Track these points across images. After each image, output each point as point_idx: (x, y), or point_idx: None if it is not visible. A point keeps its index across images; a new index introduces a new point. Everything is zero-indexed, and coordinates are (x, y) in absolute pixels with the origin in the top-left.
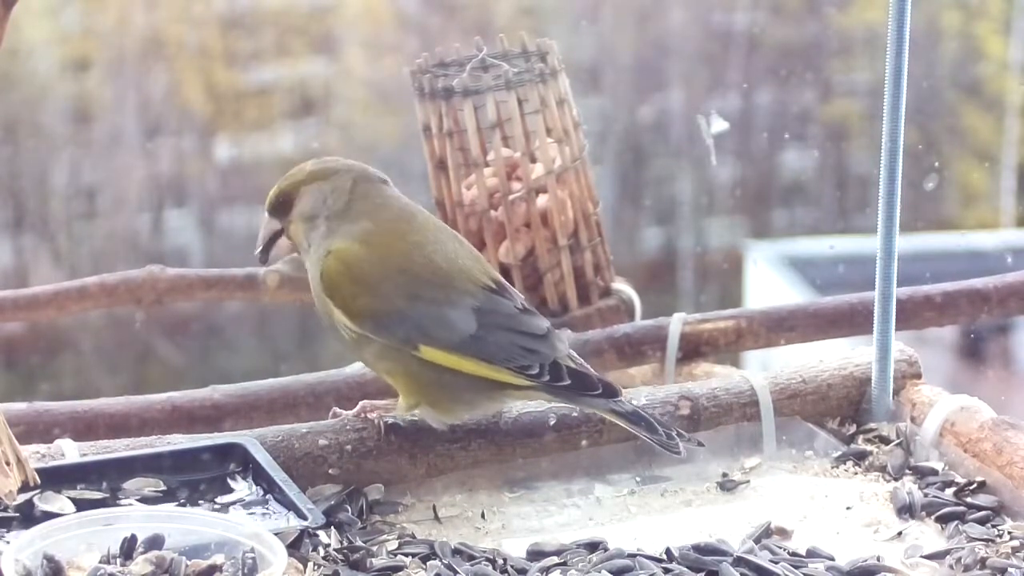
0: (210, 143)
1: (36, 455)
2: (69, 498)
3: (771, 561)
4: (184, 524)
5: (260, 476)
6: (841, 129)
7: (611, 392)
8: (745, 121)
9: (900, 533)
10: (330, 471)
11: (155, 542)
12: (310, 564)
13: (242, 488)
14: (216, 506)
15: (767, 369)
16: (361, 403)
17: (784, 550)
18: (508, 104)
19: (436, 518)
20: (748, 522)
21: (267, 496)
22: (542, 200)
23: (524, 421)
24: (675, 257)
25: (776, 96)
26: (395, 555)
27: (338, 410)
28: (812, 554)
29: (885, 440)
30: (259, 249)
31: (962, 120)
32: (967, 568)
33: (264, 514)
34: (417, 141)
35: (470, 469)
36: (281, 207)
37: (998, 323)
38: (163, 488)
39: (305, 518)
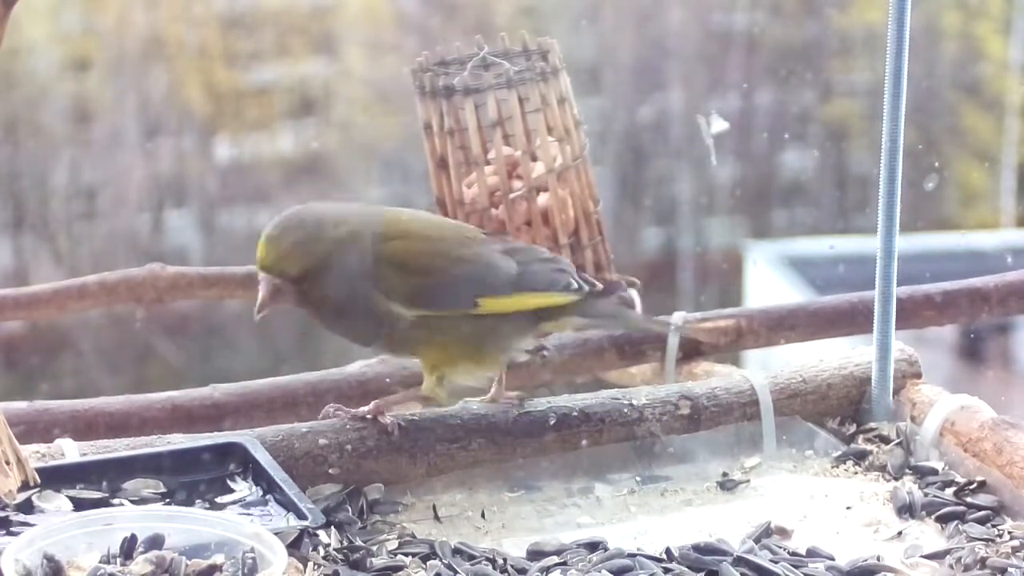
0: (210, 143)
1: (36, 455)
2: (68, 497)
3: (771, 561)
4: (184, 524)
5: (260, 476)
6: (841, 129)
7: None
8: (745, 121)
9: (900, 533)
10: (330, 471)
11: (155, 542)
12: (310, 564)
13: (242, 488)
14: (216, 506)
15: (767, 369)
16: (375, 403)
17: (784, 550)
18: (509, 102)
19: (436, 518)
20: (748, 522)
21: (267, 496)
22: (543, 199)
23: (524, 421)
24: (675, 257)
25: (776, 96)
26: (395, 555)
27: (343, 410)
28: (812, 554)
29: (885, 440)
30: (261, 311)
31: (962, 120)
32: (967, 568)
33: (264, 514)
34: (418, 140)
35: (470, 469)
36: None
37: (998, 323)
38: (163, 488)
39: (305, 518)
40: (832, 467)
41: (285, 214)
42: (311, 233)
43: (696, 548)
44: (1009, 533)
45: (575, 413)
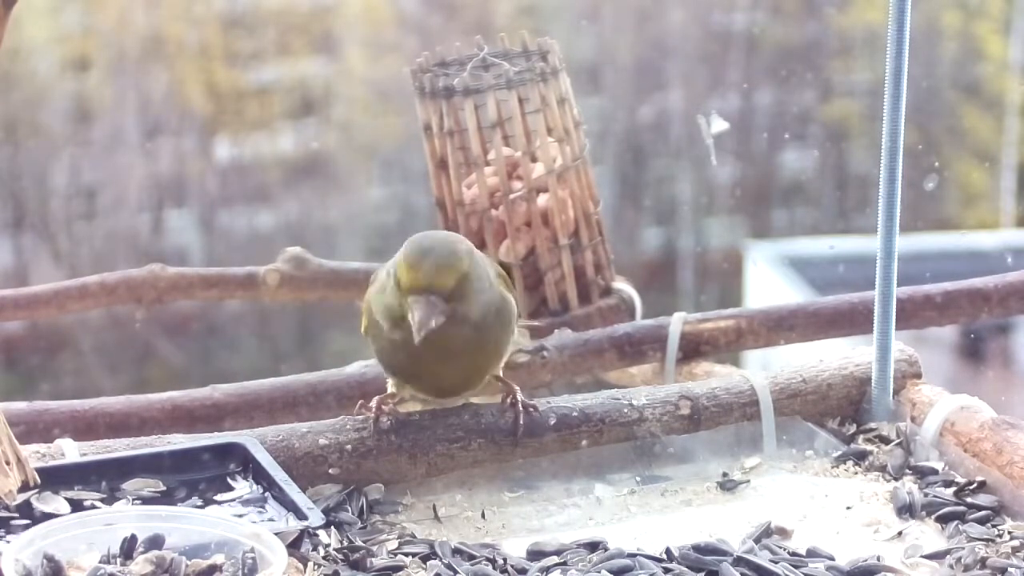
0: (210, 143)
1: (36, 455)
2: (67, 498)
3: (771, 561)
4: (184, 524)
5: (260, 476)
6: (841, 129)
7: None
8: (745, 121)
9: (900, 533)
10: (330, 471)
11: (155, 542)
12: (310, 564)
13: (242, 488)
14: (215, 506)
15: (767, 369)
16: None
17: (784, 550)
18: (509, 103)
19: (436, 518)
20: (748, 522)
21: (267, 496)
22: (543, 199)
23: (524, 421)
24: (675, 257)
25: (776, 96)
26: (395, 555)
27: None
28: (812, 554)
29: (885, 440)
30: (428, 328)
31: (962, 120)
32: (967, 568)
33: (264, 514)
34: (418, 141)
35: (470, 469)
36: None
37: (998, 323)
38: (162, 488)
39: (305, 518)
40: (832, 467)
41: (414, 241)
42: (450, 251)
43: (696, 548)
44: (1009, 533)
45: (575, 413)
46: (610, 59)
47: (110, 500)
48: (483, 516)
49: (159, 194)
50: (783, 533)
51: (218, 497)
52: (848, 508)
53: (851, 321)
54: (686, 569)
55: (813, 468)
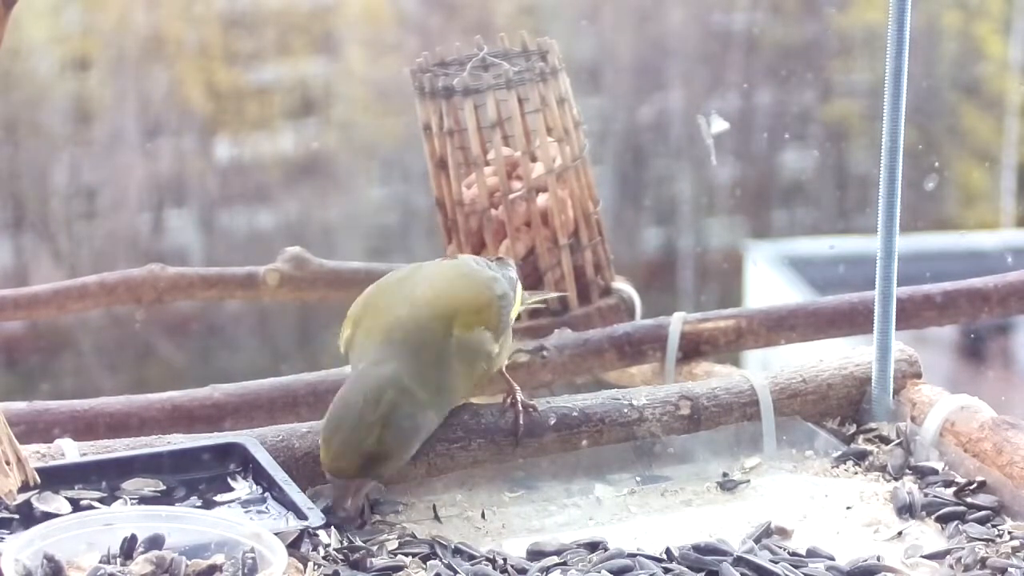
0: (210, 143)
1: (36, 455)
2: (67, 498)
3: (771, 561)
4: (184, 524)
5: (260, 476)
6: (841, 129)
7: None
8: (745, 121)
9: (900, 533)
10: None
11: (155, 542)
12: (310, 564)
13: (242, 488)
14: (215, 506)
15: (767, 369)
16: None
17: (784, 550)
18: (508, 103)
19: (436, 518)
20: (748, 522)
21: (267, 496)
22: (542, 199)
23: (524, 421)
24: (675, 257)
25: (776, 96)
26: (395, 555)
27: None
28: (812, 554)
29: (885, 440)
30: (344, 511)
31: (962, 120)
32: (967, 568)
33: (264, 514)
34: (418, 140)
35: (470, 469)
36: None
37: (998, 323)
38: (162, 488)
39: (305, 518)
40: (832, 467)
41: (334, 408)
42: (355, 426)
43: (696, 548)
44: (1009, 533)
45: (575, 413)
46: (610, 59)
47: (110, 500)
48: (483, 516)
49: (159, 194)
50: (783, 533)
51: (218, 497)
52: (848, 508)
53: (851, 321)
54: (686, 569)
55: (813, 468)
